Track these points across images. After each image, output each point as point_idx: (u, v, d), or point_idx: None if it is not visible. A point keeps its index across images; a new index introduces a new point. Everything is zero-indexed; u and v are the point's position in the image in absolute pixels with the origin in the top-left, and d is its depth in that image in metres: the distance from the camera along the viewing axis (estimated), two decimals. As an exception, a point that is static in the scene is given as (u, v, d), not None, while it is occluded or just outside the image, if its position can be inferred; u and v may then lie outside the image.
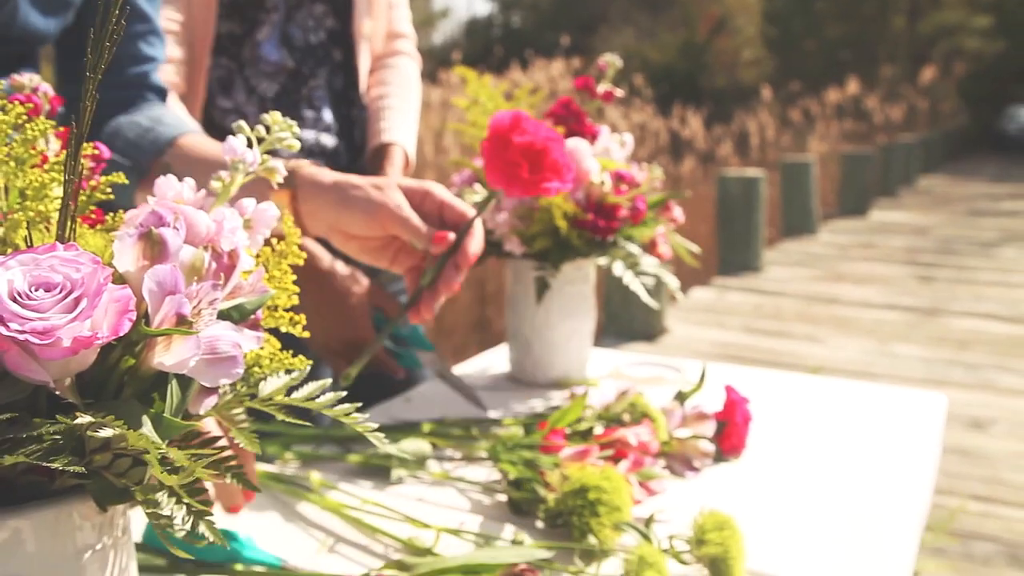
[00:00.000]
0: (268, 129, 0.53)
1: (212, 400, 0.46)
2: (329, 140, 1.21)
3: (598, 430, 0.86)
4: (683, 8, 24.57)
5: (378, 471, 0.86)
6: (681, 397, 0.92)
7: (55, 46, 0.92)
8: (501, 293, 5.42)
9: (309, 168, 0.80)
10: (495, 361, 1.23)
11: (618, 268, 1.04)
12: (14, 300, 0.38)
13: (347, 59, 1.25)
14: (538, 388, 1.12)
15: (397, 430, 0.91)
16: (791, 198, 7.53)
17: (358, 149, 1.25)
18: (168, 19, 1.11)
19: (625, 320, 4.25)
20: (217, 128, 1.13)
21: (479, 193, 1.06)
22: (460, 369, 1.21)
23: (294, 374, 0.50)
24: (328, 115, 1.21)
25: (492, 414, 1.02)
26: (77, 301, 0.38)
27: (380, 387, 1.14)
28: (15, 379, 0.40)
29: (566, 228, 1.00)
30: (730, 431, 0.91)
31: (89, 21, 0.85)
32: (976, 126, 21.55)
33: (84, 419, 0.39)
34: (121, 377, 0.44)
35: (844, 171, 8.91)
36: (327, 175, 0.80)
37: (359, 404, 0.48)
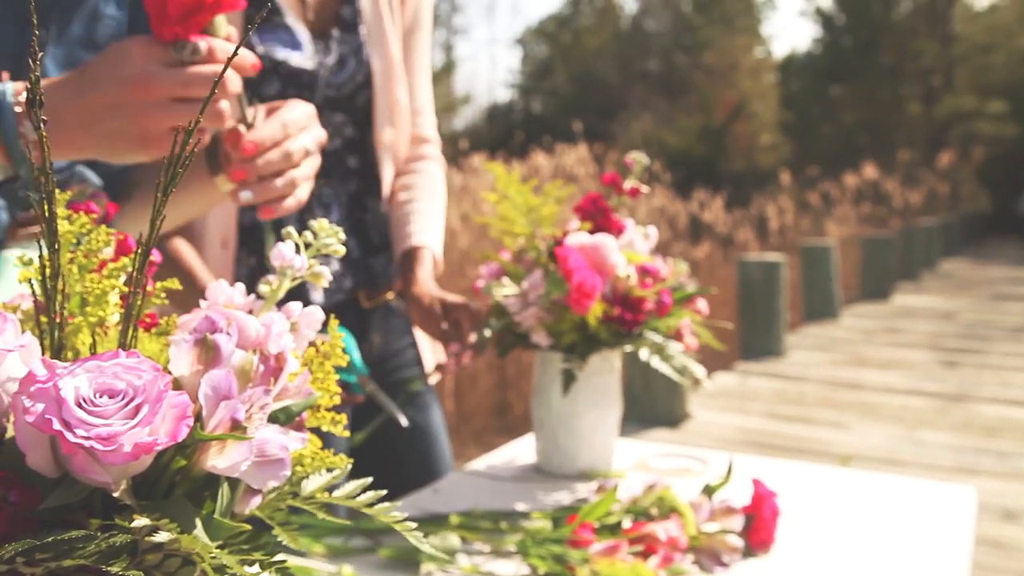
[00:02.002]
0: (315, 235, 0.56)
1: (257, 499, 0.48)
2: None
3: (626, 524, 0.86)
4: (700, 94, 25.03)
5: (408, 565, 0.86)
6: (709, 491, 0.92)
7: None
8: (522, 377, 5.42)
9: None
10: (521, 452, 1.23)
11: (644, 354, 1.06)
12: (80, 406, 0.40)
13: (363, 166, 1.29)
14: (564, 479, 1.12)
15: (425, 522, 0.92)
16: (812, 282, 7.53)
17: (374, 248, 1.28)
18: None
19: (647, 405, 4.22)
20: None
21: (507, 287, 1.08)
22: (486, 460, 1.21)
23: (335, 472, 0.51)
24: (335, 215, 1.24)
25: (520, 506, 1.02)
26: (138, 408, 0.40)
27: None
28: (74, 481, 0.42)
29: (595, 324, 1.02)
30: (759, 525, 0.90)
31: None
32: (995, 209, 21.59)
33: (141, 522, 0.40)
34: (172, 477, 0.45)
35: (865, 255, 8.92)
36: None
37: (397, 503, 0.50)
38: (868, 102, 23.33)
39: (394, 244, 1.28)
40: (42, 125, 0.42)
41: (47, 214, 0.42)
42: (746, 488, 0.92)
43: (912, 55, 23.89)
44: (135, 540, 0.42)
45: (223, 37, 0.74)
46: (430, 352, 1.32)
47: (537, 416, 1.15)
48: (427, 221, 1.27)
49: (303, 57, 1.21)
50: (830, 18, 25.34)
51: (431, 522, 0.92)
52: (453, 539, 0.87)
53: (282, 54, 1.20)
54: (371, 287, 1.27)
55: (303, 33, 1.22)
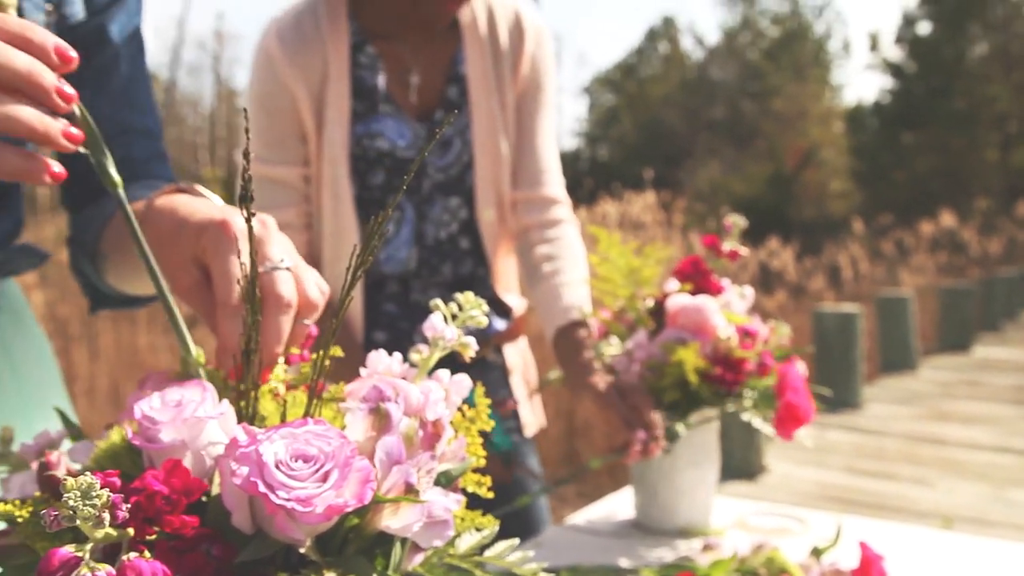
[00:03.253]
0: (460, 307, 0.60)
1: (420, 557, 0.51)
2: None
3: (735, 584, 0.87)
4: (768, 141, 24.88)
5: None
6: (816, 552, 0.93)
7: None
8: (589, 427, 5.39)
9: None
10: (618, 507, 1.25)
11: (746, 416, 1.07)
12: (279, 470, 0.44)
13: (474, 246, 1.31)
14: (664, 536, 1.13)
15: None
16: (889, 333, 7.37)
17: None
18: (298, 215, 1.23)
19: (724, 458, 4.16)
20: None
21: (613, 345, 1.11)
22: (585, 514, 1.23)
23: (485, 532, 0.55)
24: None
25: (623, 562, 1.04)
26: (328, 473, 0.44)
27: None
28: (266, 537, 0.46)
29: (696, 382, 1.04)
30: (867, 589, 0.91)
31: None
32: (1079, 258, 20.84)
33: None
34: (345, 535, 0.49)
35: (943, 305, 8.70)
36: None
37: (544, 563, 0.53)
38: (941, 149, 22.91)
39: (546, 316, 1.23)
40: (248, 211, 0.47)
41: (252, 295, 0.47)
42: (847, 549, 0.93)
43: (986, 101, 23.44)
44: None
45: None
46: (527, 406, 1.35)
47: (637, 472, 1.17)
48: (578, 293, 1.23)
49: (407, 145, 1.24)
50: (899, 67, 25.04)
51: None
52: (564, 595, 0.89)
53: (386, 144, 1.23)
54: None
55: (407, 119, 1.24)
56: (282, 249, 0.58)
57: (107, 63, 0.84)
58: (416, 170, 1.23)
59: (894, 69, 24.95)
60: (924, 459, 4.65)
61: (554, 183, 1.32)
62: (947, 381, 7.00)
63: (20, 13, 0.73)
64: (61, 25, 0.79)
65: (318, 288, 0.59)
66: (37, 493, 0.51)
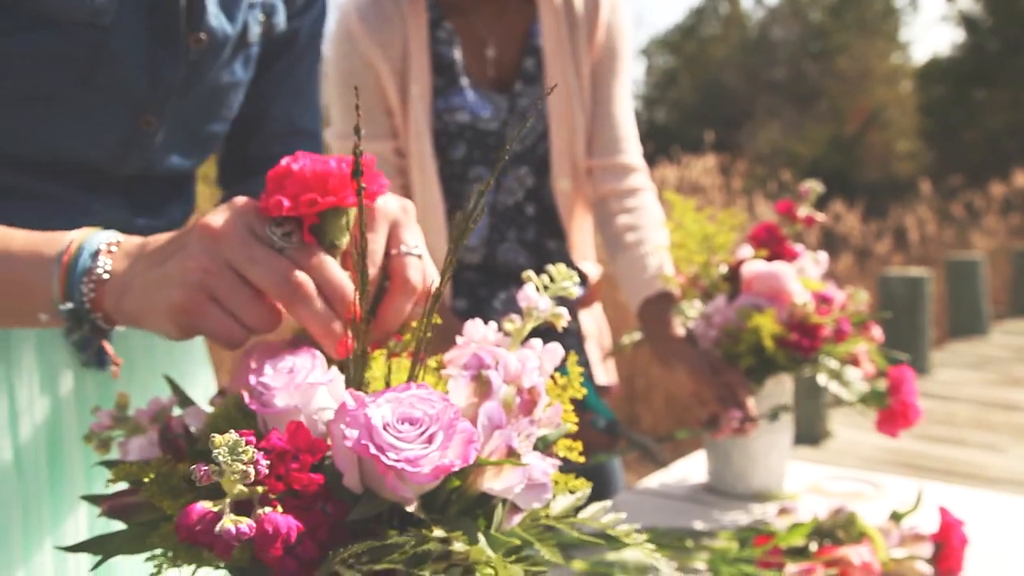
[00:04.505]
0: (552, 278, 0.61)
1: (518, 517, 0.53)
2: None
3: (812, 547, 0.88)
4: (831, 101, 24.25)
5: (600, 578, 0.91)
6: (896, 516, 0.93)
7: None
8: (651, 390, 5.39)
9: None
10: (691, 471, 1.26)
11: (822, 380, 1.07)
12: (386, 431, 0.46)
13: (539, 212, 1.32)
14: (738, 500, 1.15)
15: (612, 539, 0.96)
16: (959, 297, 7.19)
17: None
18: (394, 189, 1.24)
19: (787, 423, 4.15)
20: None
21: (694, 307, 1.12)
22: (657, 478, 1.25)
23: (578, 495, 0.57)
24: (523, 259, 1.29)
25: (698, 525, 1.05)
26: (434, 435, 0.46)
27: None
28: (374, 496, 0.48)
29: (772, 348, 1.04)
30: (947, 553, 0.91)
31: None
32: None
33: (438, 533, 0.46)
34: (447, 496, 0.51)
35: (1016, 268, 8.45)
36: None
37: (636, 524, 0.54)
38: (1016, 106, 22.08)
39: (631, 286, 1.23)
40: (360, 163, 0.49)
41: (361, 266, 0.49)
42: (925, 514, 0.93)
43: (1065, 55, 22.47)
44: (428, 550, 0.48)
45: (339, 244, 0.56)
46: (601, 368, 1.37)
47: (710, 436, 1.18)
48: (662, 263, 1.22)
49: (488, 118, 1.25)
50: (974, 21, 24.10)
51: (617, 539, 0.96)
52: (642, 556, 0.91)
53: (467, 117, 1.24)
54: None
55: (486, 92, 1.26)
56: (416, 236, 0.59)
57: (290, 64, 0.90)
58: (496, 143, 1.25)
59: (968, 23, 24.06)
60: (995, 425, 4.56)
61: (632, 150, 1.31)
62: (1019, 346, 6.82)
63: (244, 27, 0.79)
64: (268, 34, 0.85)
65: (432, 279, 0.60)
66: (160, 456, 0.54)
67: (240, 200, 0.54)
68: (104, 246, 0.57)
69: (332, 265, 0.54)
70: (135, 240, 0.58)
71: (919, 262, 9.25)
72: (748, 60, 27.24)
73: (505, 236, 1.30)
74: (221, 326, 0.53)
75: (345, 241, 0.56)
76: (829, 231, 10.06)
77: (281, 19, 0.85)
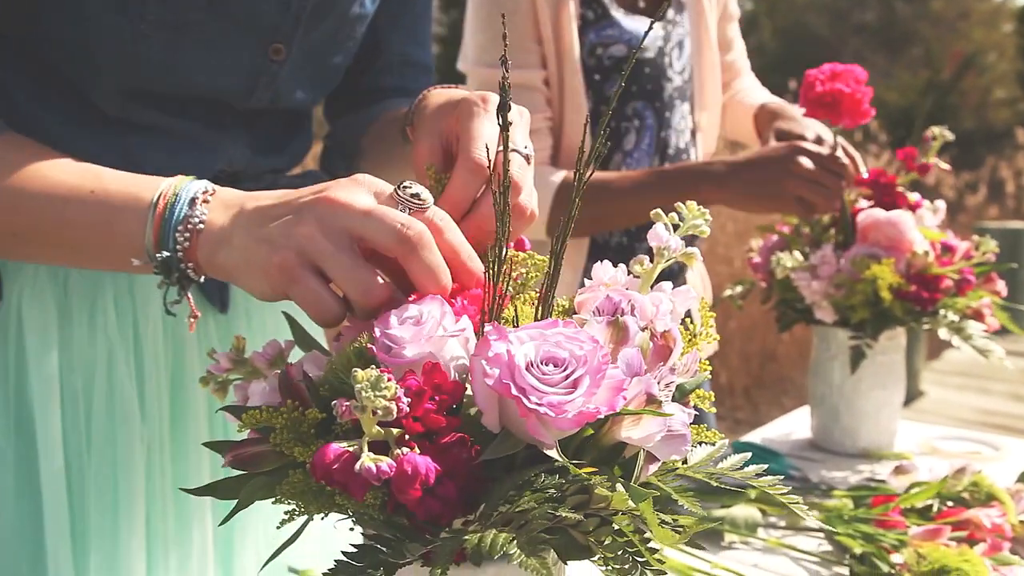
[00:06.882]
0: (681, 216, 0.58)
1: (654, 467, 0.51)
2: None
3: (937, 508, 0.85)
4: (924, 45, 23.20)
5: (708, 534, 0.89)
6: (1024, 479, 0.88)
7: None
8: (726, 345, 5.30)
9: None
10: (795, 426, 1.23)
11: (943, 334, 1.02)
12: (529, 372, 0.44)
13: (699, 153, 1.33)
14: (845, 457, 1.11)
15: (721, 494, 0.94)
16: (1058, 252, 6.87)
17: None
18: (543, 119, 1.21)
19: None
20: None
21: (793, 259, 1.07)
22: (760, 433, 1.22)
23: (715, 446, 0.54)
24: None
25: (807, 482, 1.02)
26: (580, 379, 0.44)
27: None
28: (509, 436, 0.47)
29: (889, 300, 1.00)
30: (1078, 519, 0.86)
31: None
32: None
33: (581, 476, 0.45)
34: (581, 442, 0.50)
35: (1122, 222, 8.03)
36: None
37: (779, 475, 0.52)
38: (1125, 50, 20.78)
39: (738, 121, 1.36)
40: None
41: (503, 200, 0.47)
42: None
43: None
44: (562, 495, 0.47)
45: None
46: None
47: (817, 392, 1.14)
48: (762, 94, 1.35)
49: (644, 47, 1.22)
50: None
51: (727, 494, 0.94)
52: (753, 512, 0.89)
53: (622, 49, 1.20)
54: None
55: (639, 21, 1.22)
56: (524, 138, 0.58)
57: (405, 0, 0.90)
58: (655, 76, 1.22)
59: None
60: (1099, 386, 4.37)
61: (741, 67, 1.45)
62: (1124, 304, 6.50)
63: None
64: None
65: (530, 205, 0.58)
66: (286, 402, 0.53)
67: (364, 176, 0.54)
68: (200, 195, 0.56)
69: (454, 226, 0.54)
70: (232, 192, 0.57)
71: (1014, 215, 8.86)
72: (835, 1, 26.22)
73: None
74: (315, 295, 0.52)
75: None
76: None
77: None
